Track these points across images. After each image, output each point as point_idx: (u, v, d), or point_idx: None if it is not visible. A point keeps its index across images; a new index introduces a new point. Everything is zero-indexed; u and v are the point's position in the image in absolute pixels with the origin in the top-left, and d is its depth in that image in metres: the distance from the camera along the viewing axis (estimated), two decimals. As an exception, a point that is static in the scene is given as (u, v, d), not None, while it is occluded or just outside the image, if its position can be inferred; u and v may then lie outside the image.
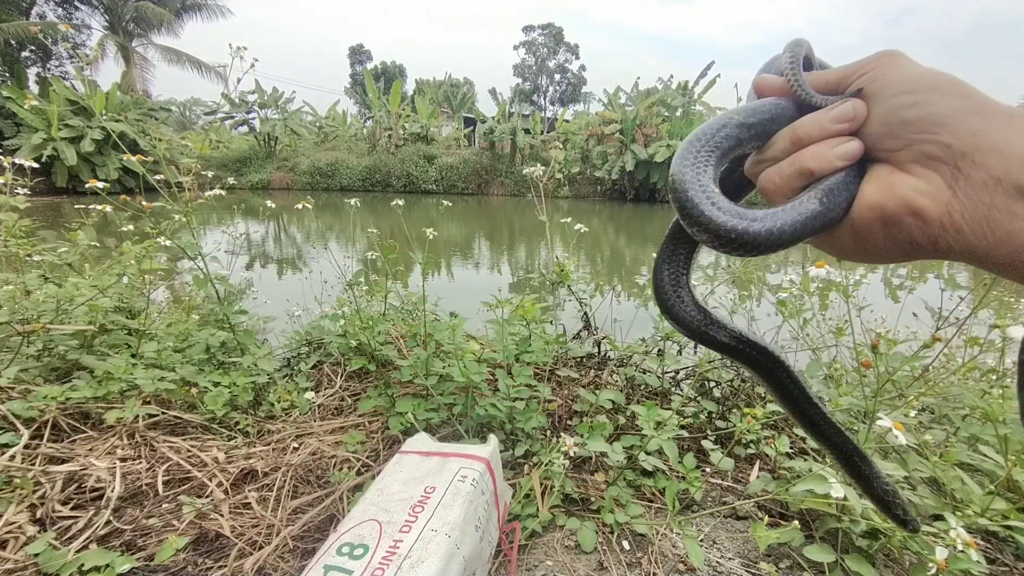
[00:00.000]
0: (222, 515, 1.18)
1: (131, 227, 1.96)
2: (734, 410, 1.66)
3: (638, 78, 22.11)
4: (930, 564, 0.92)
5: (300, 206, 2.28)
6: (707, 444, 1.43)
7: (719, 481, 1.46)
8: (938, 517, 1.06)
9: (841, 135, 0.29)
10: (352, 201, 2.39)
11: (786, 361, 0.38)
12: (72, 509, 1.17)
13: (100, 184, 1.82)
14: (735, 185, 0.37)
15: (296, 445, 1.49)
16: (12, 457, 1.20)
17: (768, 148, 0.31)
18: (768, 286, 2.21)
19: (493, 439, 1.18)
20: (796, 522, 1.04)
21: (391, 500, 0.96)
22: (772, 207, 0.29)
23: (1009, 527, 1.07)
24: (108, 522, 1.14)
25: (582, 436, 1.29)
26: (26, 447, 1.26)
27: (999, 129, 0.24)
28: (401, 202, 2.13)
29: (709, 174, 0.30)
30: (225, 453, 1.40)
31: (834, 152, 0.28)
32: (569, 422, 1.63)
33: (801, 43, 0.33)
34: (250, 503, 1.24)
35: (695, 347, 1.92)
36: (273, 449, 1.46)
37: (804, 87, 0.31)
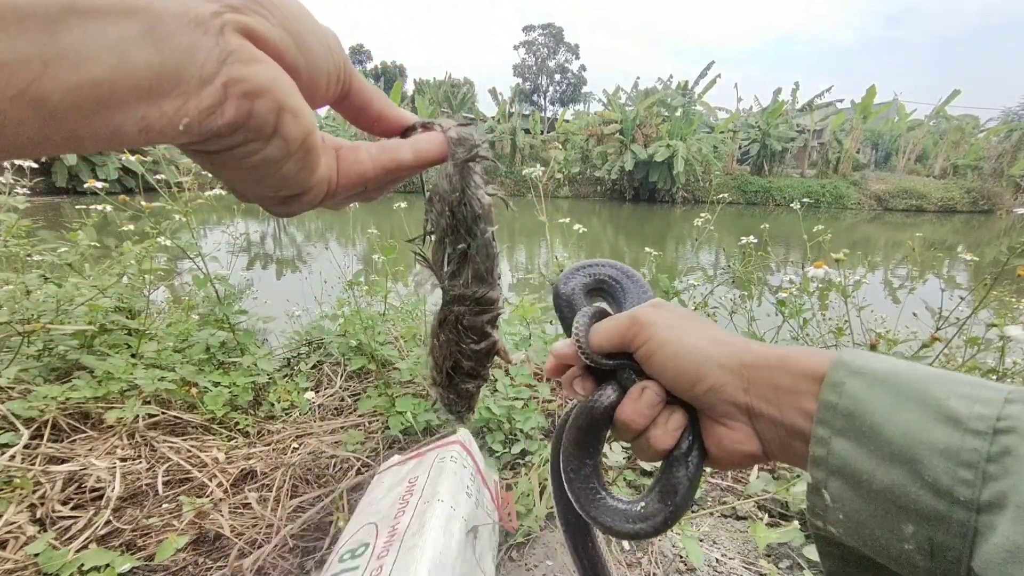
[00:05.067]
0: (222, 514, 1.18)
1: (131, 227, 1.96)
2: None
3: (638, 78, 22.15)
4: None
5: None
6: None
7: (719, 481, 1.46)
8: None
9: (655, 415, 0.36)
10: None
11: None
12: (72, 509, 1.17)
13: (99, 184, 1.82)
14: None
15: (296, 445, 1.49)
16: (12, 457, 1.20)
17: (625, 437, 0.38)
18: (768, 286, 2.21)
19: (463, 430, 1.18)
20: (796, 522, 1.04)
21: (381, 503, 0.96)
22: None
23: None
24: (108, 522, 1.14)
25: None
26: (26, 447, 1.26)
27: (760, 385, 0.32)
28: (404, 204, 2.13)
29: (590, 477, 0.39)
30: (225, 453, 1.41)
31: (670, 432, 0.35)
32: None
33: (589, 313, 0.39)
34: (250, 503, 1.24)
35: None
36: (273, 449, 1.46)
37: (595, 359, 0.37)
